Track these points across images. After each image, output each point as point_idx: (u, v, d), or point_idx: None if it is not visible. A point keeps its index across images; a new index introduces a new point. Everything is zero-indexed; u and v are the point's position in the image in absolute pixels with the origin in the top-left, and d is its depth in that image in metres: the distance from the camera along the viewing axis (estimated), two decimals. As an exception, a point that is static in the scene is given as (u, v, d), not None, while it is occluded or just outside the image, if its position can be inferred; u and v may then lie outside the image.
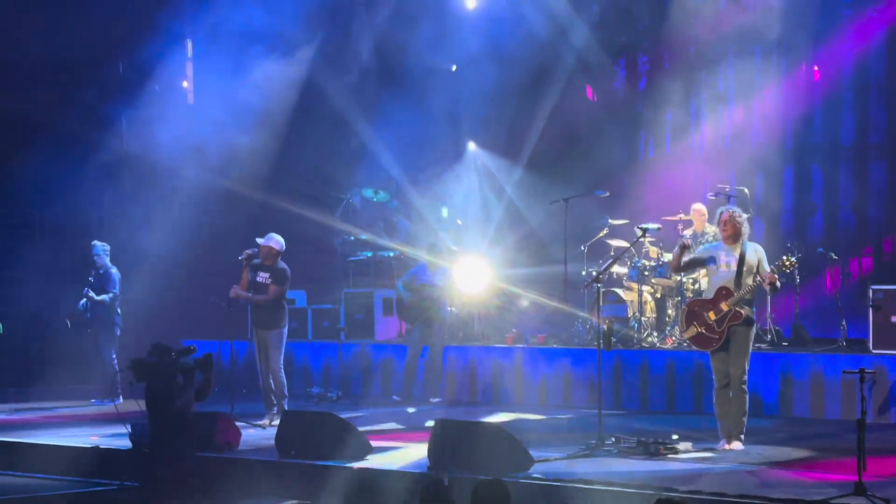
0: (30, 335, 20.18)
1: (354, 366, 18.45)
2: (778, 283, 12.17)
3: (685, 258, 12.53)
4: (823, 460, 11.65)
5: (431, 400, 17.04)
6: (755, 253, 12.15)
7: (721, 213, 12.28)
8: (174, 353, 10.91)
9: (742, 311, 12.00)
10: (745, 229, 12.21)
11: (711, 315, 12.10)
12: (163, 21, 20.36)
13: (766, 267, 12.11)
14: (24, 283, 20.28)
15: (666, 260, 17.10)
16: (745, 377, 12.07)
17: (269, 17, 20.32)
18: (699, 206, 17.21)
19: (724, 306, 12.02)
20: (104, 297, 17.73)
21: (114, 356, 17.71)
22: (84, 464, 12.88)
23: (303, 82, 20.92)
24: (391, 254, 19.76)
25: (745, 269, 12.04)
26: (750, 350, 12.14)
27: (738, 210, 12.36)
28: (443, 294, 17.26)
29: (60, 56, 19.54)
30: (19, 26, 19.51)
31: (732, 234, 12.12)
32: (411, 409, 16.30)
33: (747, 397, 12.11)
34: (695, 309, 12.30)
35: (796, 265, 12.47)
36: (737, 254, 12.10)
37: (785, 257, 12.18)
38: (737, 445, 12.03)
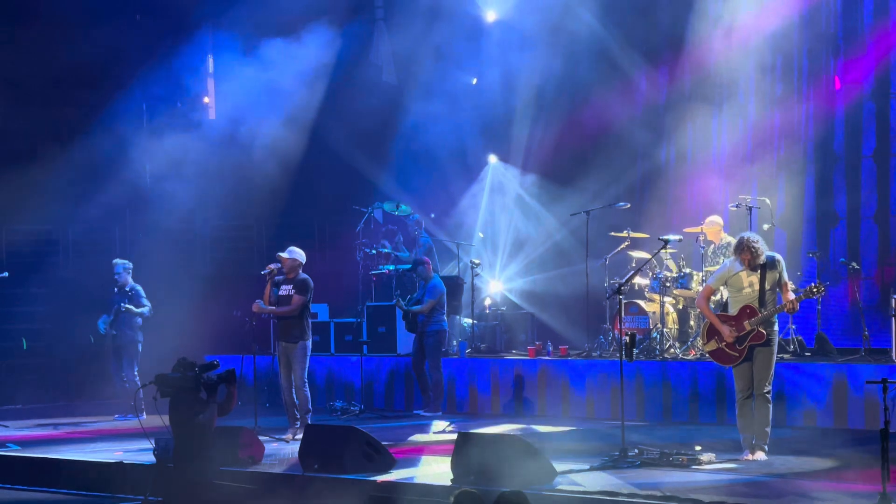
0: (54, 351, 20.27)
1: (377, 379, 18.49)
2: (798, 307, 12.13)
3: (715, 297, 12.47)
4: (847, 470, 11.62)
5: (422, 413, 17.13)
6: (776, 267, 12.09)
7: (743, 247, 12.04)
8: (198, 368, 10.94)
9: (765, 332, 11.97)
10: (763, 248, 12.13)
11: (734, 332, 12.09)
12: (184, 37, 20.47)
13: (786, 276, 12.10)
14: (49, 300, 20.38)
15: (687, 271, 17.11)
16: (769, 388, 12.06)
17: (288, 32, 20.42)
18: (715, 218, 17.21)
19: (746, 325, 12.00)
20: (143, 310, 17.84)
21: (136, 372, 17.77)
22: (108, 478, 12.93)
23: (322, 97, 20.98)
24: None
25: (767, 286, 12.01)
26: (773, 365, 12.12)
27: (752, 235, 12.22)
28: (431, 309, 17.31)
29: (83, 72, 19.68)
30: (43, 46, 19.65)
31: (753, 260, 12.04)
32: (434, 422, 16.32)
33: (770, 408, 12.10)
34: (714, 326, 12.27)
35: (823, 292, 12.43)
36: (758, 272, 12.05)
37: (813, 284, 12.16)
38: (760, 456, 12.01)
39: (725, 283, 12.38)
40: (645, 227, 18.37)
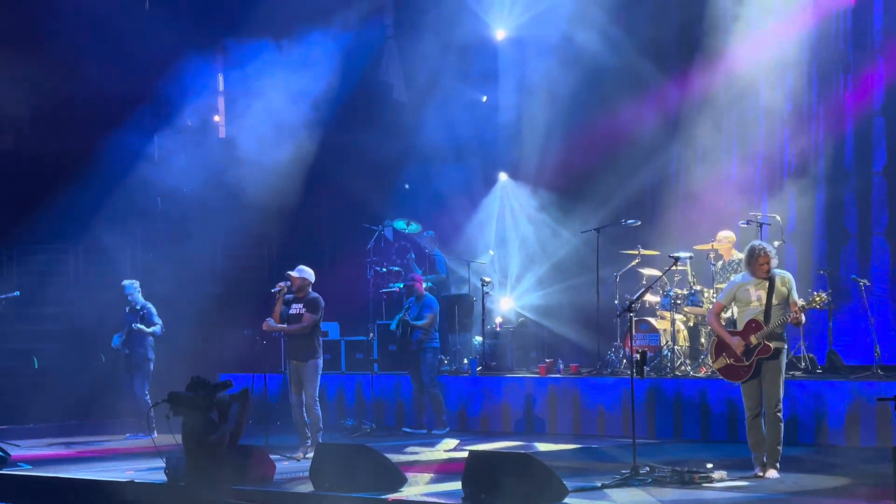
0: (65, 370, 20.28)
1: (388, 397, 18.49)
2: (803, 318, 12.10)
3: (725, 314, 12.46)
4: (859, 488, 11.57)
5: (434, 432, 17.14)
6: (784, 284, 12.07)
7: (756, 253, 12.11)
8: (211, 387, 10.95)
9: (771, 345, 11.95)
10: (775, 262, 12.15)
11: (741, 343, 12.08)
12: (195, 56, 20.53)
13: (795, 296, 12.07)
14: (60, 319, 20.42)
15: (698, 288, 17.09)
16: (780, 405, 12.03)
17: (298, 50, 20.47)
18: (727, 233, 17.21)
19: (752, 339, 11.98)
20: (154, 328, 17.92)
21: (146, 391, 17.79)
22: (120, 498, 12.91)
23: (333, 115, 21.01)
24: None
25: (774, 301, 12.00)
26: (782, 380, 12.08)
27: (767, 246, 12.24)
28: (425, 327, 17.34)
29: (93, 91, 19.74)
30: (53, 68, 19.73)
31: (767, 271, 12.05)
32: (445, 440, 16.31)
33: (782, 426, 12.06)
34: (724, 340, 12.27)
35: (827, 301, 12.40)
36: (766, 286, 12.05)
37: (816, 294, 12.14)
38: (772, 474, 11.98)
39: (734, 299, 12.36)
40: (655, 243, 18.36)
